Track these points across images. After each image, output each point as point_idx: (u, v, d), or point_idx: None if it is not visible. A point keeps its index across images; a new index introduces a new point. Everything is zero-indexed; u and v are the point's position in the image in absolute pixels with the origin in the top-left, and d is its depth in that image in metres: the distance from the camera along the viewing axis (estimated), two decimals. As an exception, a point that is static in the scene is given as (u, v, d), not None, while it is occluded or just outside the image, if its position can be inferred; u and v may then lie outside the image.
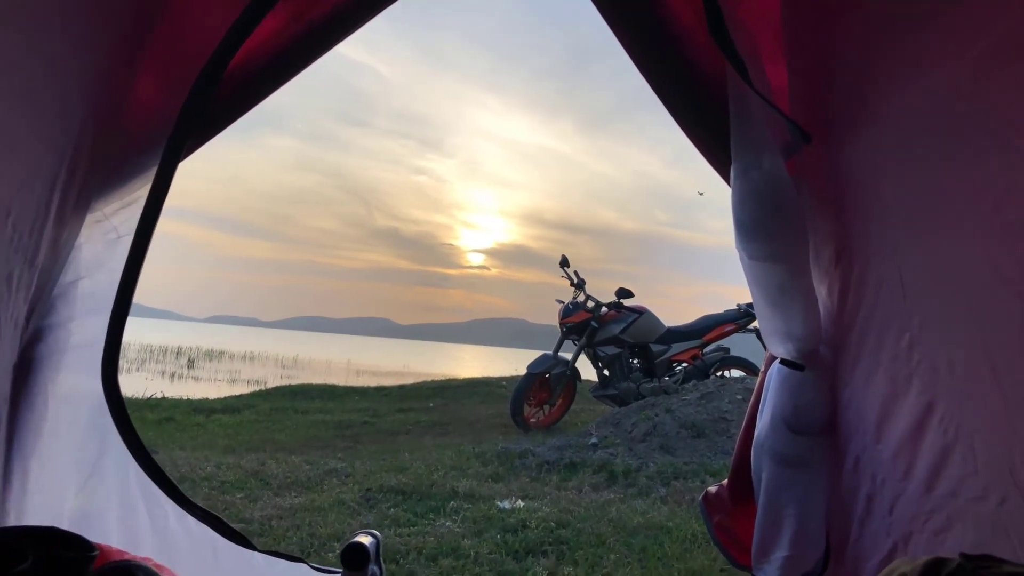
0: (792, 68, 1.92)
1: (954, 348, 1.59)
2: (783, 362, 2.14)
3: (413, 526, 4.61)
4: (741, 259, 2.09)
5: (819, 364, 2.09)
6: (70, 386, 2.09)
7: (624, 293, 9.63)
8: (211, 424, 9.41)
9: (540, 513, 4.85)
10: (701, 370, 9.50)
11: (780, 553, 2.25)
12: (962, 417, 1.59)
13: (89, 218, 1.95)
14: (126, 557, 2.06)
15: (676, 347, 9.76)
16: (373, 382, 16.16)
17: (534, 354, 9.64)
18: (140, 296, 2.09)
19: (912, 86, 1.57)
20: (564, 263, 9.78)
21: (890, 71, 1.63)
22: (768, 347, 2.26)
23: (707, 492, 2.57)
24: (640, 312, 9.66)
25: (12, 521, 2.05)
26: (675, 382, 9.28)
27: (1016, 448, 1.44)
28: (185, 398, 11.94)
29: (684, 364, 9.71)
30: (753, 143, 1.86)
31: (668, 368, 9.68)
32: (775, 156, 1.83)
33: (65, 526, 2.03)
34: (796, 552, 2.21)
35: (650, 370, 9.48)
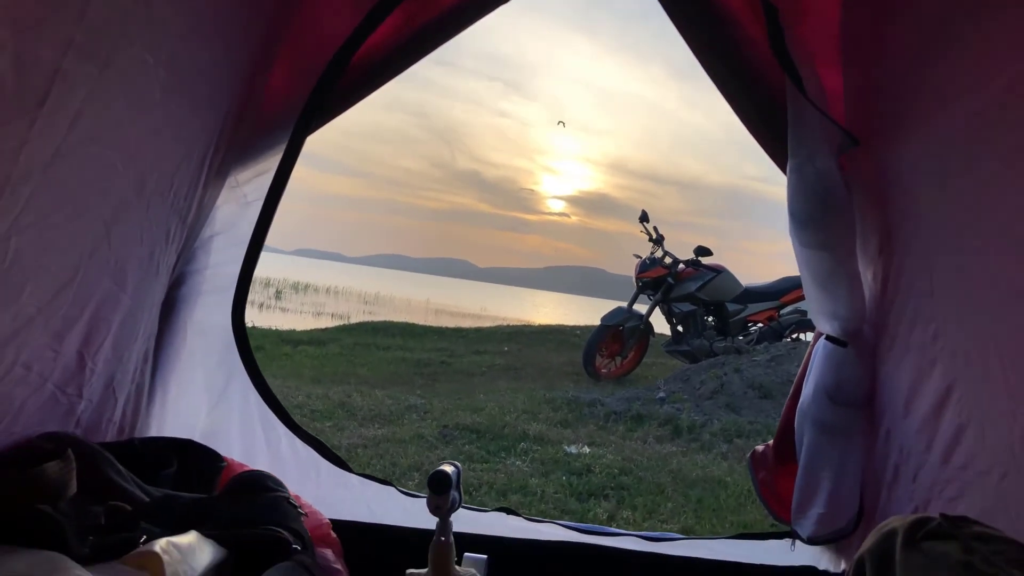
0: (847, 74, 2.09)
1: (971, 341, 1.78)
2: (828, 338, 2.35)
3: (485, 463, 4.98)
4: (793, 245, 2.29)
5: (861, 343, 2.29)
6: (204, 323, 2.47)
7: (702, 251, 9.61)
8: (298, 355, 9.88)
9: (605, 460, 5.17)
10: (776, 332, 9.48)
11: (816, 510, 2.48)
12: (975, 401, 1.78)
13: (226, 184, 2.30)
14: (246, 469, 2.44)
15: (752, 307, 9.70)
16: (451, 323, 16.58)
17: (610, 304, 9.75)
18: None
19: (948, 104, 1.73)
20: (644, 218, 9.80)
21: (933, 87, 1.79)
22: (816, 324, 2.46)
23: (755, 451, 2.81)
24: (718, 271, 9.62)
25: (153, 431, 2.45)
26: (749, 342, 9.31)
27: (1016, 431, 1.63)
28: (274, 328, 12.49)
29: (760, 325, 9.69)
30: (807, 143, 2.04)
31: (743, 328, 9.67)
32: (827, 156, 2.02)
33: (197, 439, 2.42)
34: (830, 510, 2.44)
35: (724, 329, 9.50)
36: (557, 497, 4.40)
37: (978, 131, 1.65)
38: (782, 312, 9.71)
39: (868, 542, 1.48)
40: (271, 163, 2.28)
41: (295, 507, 1.80)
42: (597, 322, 9.29)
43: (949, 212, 1.81)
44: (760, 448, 2.78)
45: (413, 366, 9.67)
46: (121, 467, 1.89)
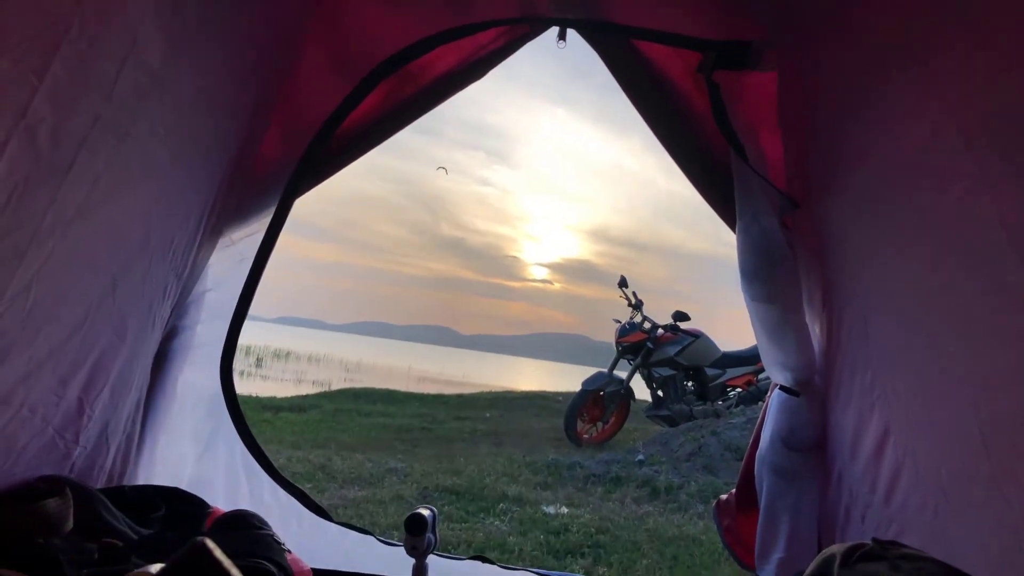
0: (785, 142, 2.32)
1: (901, 385, 1.94)
2: (781, 388, 2.51)
3: (464, 522, 5.03)
4: (745, 299, 2.48)
5: (812, 391, 2.45)
6: (194, 376, 2.60)
7: (680, 316, 9.72)
8: (279, 421, 9.82)
9: (582, 519, 5.22)
10: (754, 396, 9.53)
11: (777, 555, 2.60)
12: (908, 440, 1.94)
13: (220, 242, 2.47)
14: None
15: (731, 372, 9.76)
16: (433, 389, 16.48)
17: (592, 370, 9.82)
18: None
19: (864, 166, 1.94)
20: (623, 283, 9.93)
21: (850, 152, 2.00)
22: (770, 375, 2.62)
23: (719, 500, 2.93)
24: (696, 335, 9.71)
25: (141, 480, 2.56)
26: (728, 407, 9.38)
27: (943, 468, 1.79)
28: (254, 395, 12.38)
29: (738, 389, 9.76)
30: (751, 206, 2.25)
31: (722, 392, 9.71)
32: (770, 217, 2.22)
33: (184, 488, 2.52)
34: (790, 554, 2.56)
35: (704, 393, 9.57)
36: (534, 555, 4.45)
37: (891, 188, 1.84)
38: (760, 376, 9.79)
39: (811, 567, 1.62)
40: (262, 224, 2.47)
41: (279, 543, 1.91)
42: (579, 388, 9.33)
43: (874, 265, 2.00)
44: (724, 497, 2.91)
45: (394, 432, 9.63)
46: (114, 508, 2.00)
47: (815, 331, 2.45)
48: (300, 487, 5.42)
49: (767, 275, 2.32)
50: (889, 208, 1.86)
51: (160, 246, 2.01)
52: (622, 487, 6.46)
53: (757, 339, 2.58)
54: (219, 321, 2.59)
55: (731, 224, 2.44)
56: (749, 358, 9.82)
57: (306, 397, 13.08)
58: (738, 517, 2.82)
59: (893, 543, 1.52)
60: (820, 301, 2.37)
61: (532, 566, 4.29)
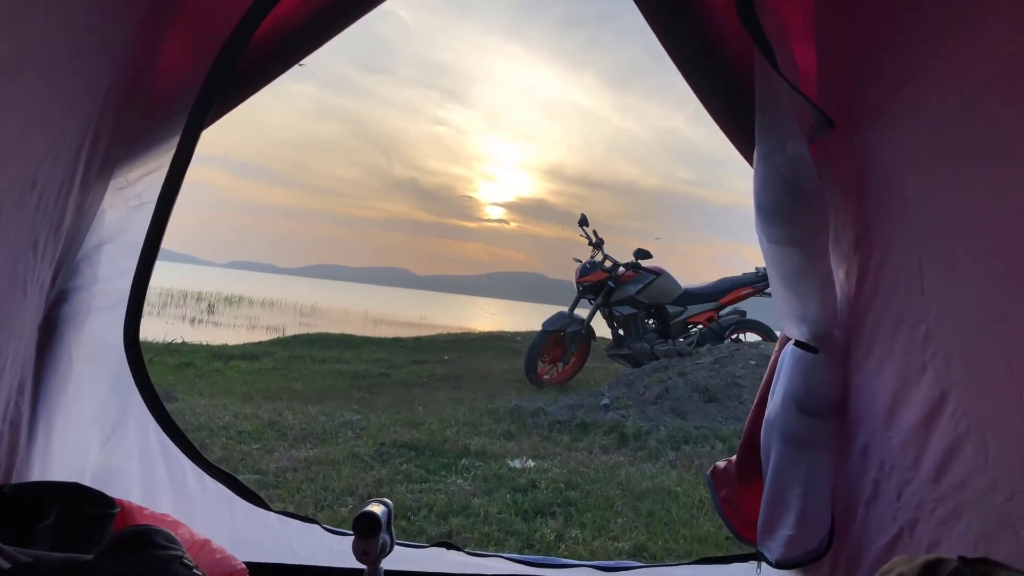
0: (821, 52, 1.89)
1: (970, 343, 1.58)
2: (797, 343, 2.15)
3: (425, 483, 4.70)
4: (760, 241, 2.08)
5: (832, 347, 2.09)
6: (93, 346, 2.14)
7: (642, 254, 9.57)
8: (229, 370, 9.52)
9: (550, 474, 4.93)
10: (716, 333, 9.47)
11: (784, 531, 2.28)
12: (975, 411, 1.59)
13: (112, 184, 1.98)
14: (145, 512, 2.12)
15: (692, 309, 9.69)
16: (390, 332, 16.24)
17: (550, 309, 9.63)
18: (163, 240, 2.11)
19: (935, 84, 1.54)
20: (583, 222, 9.72)
21: (916, 65, 1.60)
22: (783, 328, 2.26)
23: (715, 467, 2.60)
24: (657, 273, 9.58)
25: (36, 475, 2.11)
26: (690, 344, 9.28)
27: (1027, 444, 1.45)
28: (205, 343, 11.99)
29: (700, 326, 9.67)
30: (777, 128, 1.83)
31: (683, 330, 9.64)
32: (799, 142, 1.81)
33: (88, 480, 2.09)
34: (800, 532, 2.24)
35: (665, 331, 9.46)
36: (501, 517, 4.13)
37: (976, 111, 1.46)
38: (721, 313, 9.73)
39: None
40: (166, 158, 1.97)
41: (189, 567, 1.50)
42: (538, 327, 9.19)
43: (942, 201, 1.62)
44: (722, 464, 2.58)
45: (350, 379, 9.35)
46: (-21, 524, 1.57)
47: (839, 277, 2.08)
48: (246, 452, 5.03)
49: (791, 212, 1.92)
50: (967, 133, 1.46)
51: (15, 189, 1.49)
52: (589, 434, 6.21)
53: (772, 287, 2.20)
54: (121, 279, 2.11)
55: (747, 154, 2.02)
56: (711, 294, 9.77)
57: (259, 344, 12.78)
58: (738, 487, 2.49)
59: (986, 561, 1.18)
60: (851, 242, 1.99)
61: (500, 531, 3.99)
